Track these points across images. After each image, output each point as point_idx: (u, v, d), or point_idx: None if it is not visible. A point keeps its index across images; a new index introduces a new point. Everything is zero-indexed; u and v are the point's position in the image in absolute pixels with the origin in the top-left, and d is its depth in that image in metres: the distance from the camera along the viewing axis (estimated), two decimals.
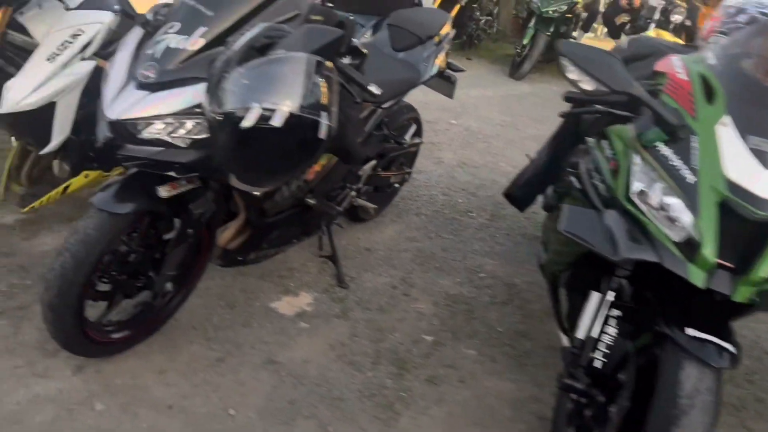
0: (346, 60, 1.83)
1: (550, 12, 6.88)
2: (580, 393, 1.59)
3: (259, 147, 1.57)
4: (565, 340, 1.92)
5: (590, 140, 1.68)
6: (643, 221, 1.44)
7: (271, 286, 2.59)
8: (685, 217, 1.38)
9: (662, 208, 1.41)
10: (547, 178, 2.16)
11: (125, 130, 1.69)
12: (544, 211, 1.97)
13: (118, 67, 1.76)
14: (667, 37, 2.43)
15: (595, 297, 1.64)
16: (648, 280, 1.54)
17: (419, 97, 3.20)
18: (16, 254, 2.57)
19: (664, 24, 6.69)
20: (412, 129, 3.00)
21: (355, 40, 1.85)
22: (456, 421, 2.03)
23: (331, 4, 2.38)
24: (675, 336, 1.41)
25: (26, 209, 2.59)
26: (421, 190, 3.75)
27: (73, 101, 2.42)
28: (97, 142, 1.76)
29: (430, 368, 2.21)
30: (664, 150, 1.43)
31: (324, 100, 1.57)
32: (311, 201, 2.20)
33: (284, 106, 1.49)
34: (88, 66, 2.40)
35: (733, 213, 1.37)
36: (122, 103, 1.68)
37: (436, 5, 7.16)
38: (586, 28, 8.38)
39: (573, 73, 1.47)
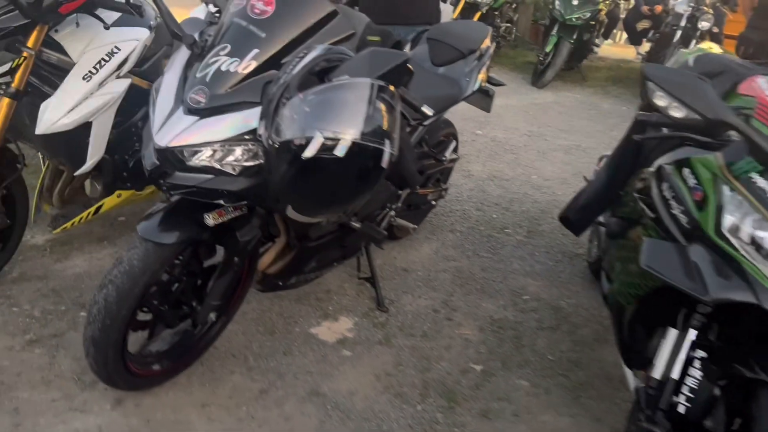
0: None
1: (574, 19, 6.77)
2: None
3: (318, 177, 1.49)
4: (631, 377, 1.82)
5: (667, 167, 1.57)
6: (735, 257, 1.34)
7: (310, 310, 2.50)
8: None
9: (758, 243, 1.30)
10: (605, 202, 2.06)
11: (174, 158, 1.61)
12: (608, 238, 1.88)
13: (166, 91, 1.68)
14: (716, 50, 2.32)
15: (672, 334, 1.54)
16: (736, 318, 1.44)
17: None
18: (48, 277, 2.50)
19: (690, 31, 6.56)
20: (452, 145, 2.90)
21: None
22: None
23: None
24: None
25: (57, 230, 2.52)
26: (454, 205, 3.65)
27: (109, 120, 2.35)
28: (145, 170, 1.68)
29: (482, 401, 2.11)
30: (760, 181, 1.33)
31: (385, 126, 1.48)
32: (356, 224, 2.11)
33: (348, 134, 1.40)
34: (124, 84, 2.34)
35: None
36: (171, 129, 1.59)
37: (456, 13, 7.10)
38: (607, 34, 8.25)
39: (661, 99, 1.37)
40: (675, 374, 1.49)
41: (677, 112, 1.37)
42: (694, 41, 6.53)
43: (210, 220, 1.74)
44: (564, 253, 3.22)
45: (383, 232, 1.98)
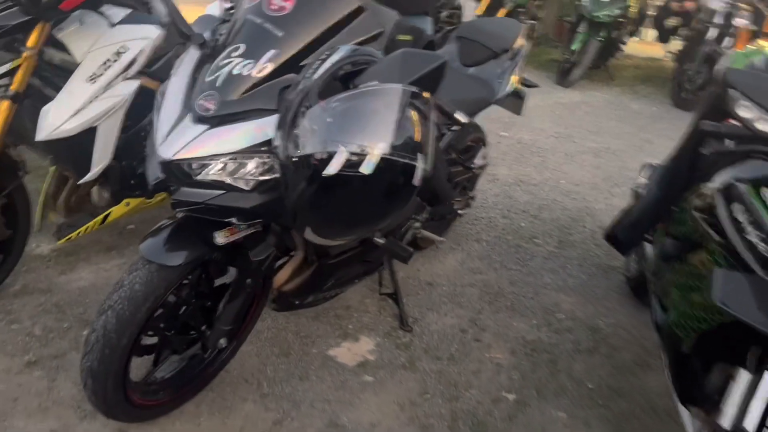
0: None
1: (602, 16, 6.52)
2: None
3: (341, 196, 1.31)
4: (687, 418, 1.62)
5: (740, 185, 1.38)
6: None
7: (328, 329, 2.33)
8: None
9: None
10: (656, 218, 1.86)
11: (180, 171, 1.44)
12: (660, 260, 1.69)
13: (173, 96, 1.51)
14: None
15: (745, 378, 1.34)
16: None
17: None
18: (52, 291, 2.36)
19: (725, 29, 6.28)
20: (481, 151, 2.71)
21: None
22: None
23: None
24: None
25: (62, 241, 2.37)
26: (479, 212, 3.46)
27: (115, 125, 2.19)
28: (149, 185, 1.51)
29: None
30: None
31: (418, 139, 1.30)
32: (380, 240, 1.93)
33: (376, 149, 1.22)
34: (132, 86, 2.18)
35: None
36: (177, 140, 1.42)
37: (481, 9, 6.88)
38: (634, 32, 7.98)
39: (747, 110, 1.18)
40: (750, 425, 1.29)
41: (766, 126, 1.17)
42: (728, 39, 6.27)
43: (220, 238, 1.57)
44: (598, 266, 3.02)
45: (409, 249, 1.81)
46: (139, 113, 2.27)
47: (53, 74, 2.07)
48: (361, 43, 1.51)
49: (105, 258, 2.60)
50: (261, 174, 1.46)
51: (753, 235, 1.31)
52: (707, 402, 1.54)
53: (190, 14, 2.02)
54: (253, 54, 1.45)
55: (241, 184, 1.46)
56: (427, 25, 2.91)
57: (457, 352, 2.28)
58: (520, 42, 2.60)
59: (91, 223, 2.36)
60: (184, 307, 1.72)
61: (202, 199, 1.46)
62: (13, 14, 1.90)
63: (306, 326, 2.32)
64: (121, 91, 2.13)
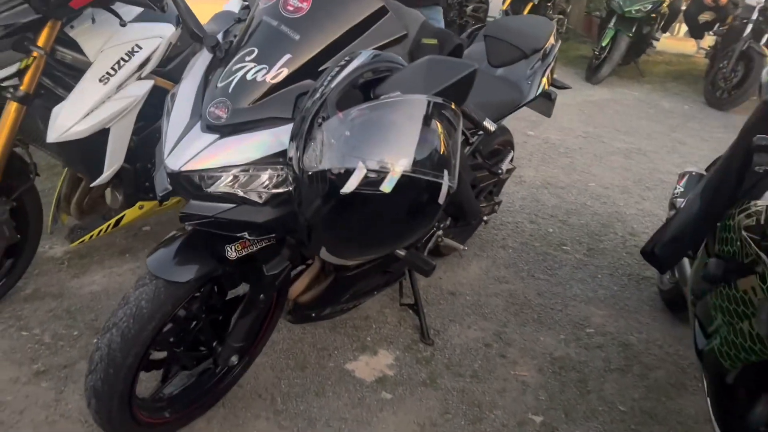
0: None
1: (633, 12, 6.33)
2: None
3: (359, 215, 1.21)
4: None
5: None
6: None
7: (346, 341, 2.24)
8: None
9: None
10: (700, 235, 1.73)
11: (189, 183, 1.35)
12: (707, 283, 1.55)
13: (182, 102, 1.42)
14: None
15: None
16: None
17: None
18: (63, 295, 2.29)
19: (763, 25, 6.05)
20: (509, 156, 2.59)
21: None
22: None
23: None
24: None
25: (75, 243, 2.31)
26: (505, 216, 3.34)
27: (128, 126, 2.12)
28: (157, 195, 1.43)
29: None
30: None
31: (444, 153, 1.19)
32: (401, 253, 1.82)
33: (397, 166, 1.12)
34: (146, 86, 2.10)
35: None
36: (186, 150, 1.33)
37: (506, 5, 6.71)
38: (666, 27, 7.73)
39: None
40: None
41: None
42: (766, 36, 6.03)
43: (232, 252, 1.48)
44: (630, 276, 2.88)
45: (432, 262, 1.70)
46: (153, 114, 2.18)
47: (65, 74, 2.00)
48: (383, 47, 1.40)
49: (119, 261, 2.54)
50: (275, 186, 1.36)
51: None
52: None
53: (204, 12, 1.94)
54: (267, 58, 1.35)
55: (253, 197, 1.37)
56: (438, 15, 2.79)
57: (480, 368, 2.17)
58: (552, 41, 2.47)
59: (103, 226, 2.29)
60: (194, 323, 1.64)
61: (212, 212, 1.37)
62: (23, 12, 1.82)
63: (323, 337, 2.23)
64: (134, 92, 2.06)
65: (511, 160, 2.74)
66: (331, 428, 1.87)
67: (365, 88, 1.24)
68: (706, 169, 2.42)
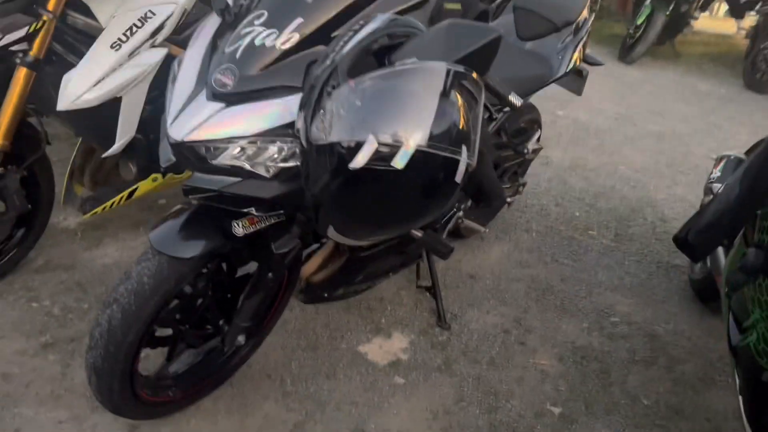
0: None
1: None
2: None
3: (370, 193, 1.12)
4: None
5: None
6: None
7: (359, 322, 2.17)
8: None
9: None
10: (738, 222, 1.62)
11: (193, 155, 1.28)
12: (743, 275, 1.45)
13: (188, 68, 1.35)
14: None
15: None
16: None
17: None
18: (75, 267, 2.26)
19: None
20: (536, 135, 2.48)
21: None
22: None
23: None
24: None
25: (87, 215, 2.26)
26: (530, 198, 3.22)
27: (141, 96, 2.05)
28: (161, 166, 1.36)
29: None
30: None
31: (463, 128, 1.10)
32: (417, 233, 1.74)
33: (411, 140, 1.03)
34: (159, 54, 2.02)
35: None
36: (190, 118, 1.26)
37: None
38: (705, 6, 7.43)
39: None
40: None
41: None
42: None
43: (239, 229, 1.41)
44: (659, 264, 2.76)
45: (450, 245, 1.62)
46: (167, 84, 2.11)
47: (76, 39, 1.93)
48: (402, 12, 1.31)
49: (132, 234, 2.50)
50: (284, 160, 1.29)
51: None
52: None
53: None
54: (277, 22, 1.27)
55: (261, 171, 1.29)
56: None
57: (498, 355, 2.09)
58: (585, 14, 2.33)
59: (117, 198, 2.25)
60: (200, 300, 1.58)
61: (217, 186, 1.30)
62: None
63: (336, 318, 2.17)
64: (146, 60, 1.98)
65: (538, 140, 2.63)
66: (341, 412, 1.81)
67: (380, 55, 1.14)
68: (746, 153, 2.28)
